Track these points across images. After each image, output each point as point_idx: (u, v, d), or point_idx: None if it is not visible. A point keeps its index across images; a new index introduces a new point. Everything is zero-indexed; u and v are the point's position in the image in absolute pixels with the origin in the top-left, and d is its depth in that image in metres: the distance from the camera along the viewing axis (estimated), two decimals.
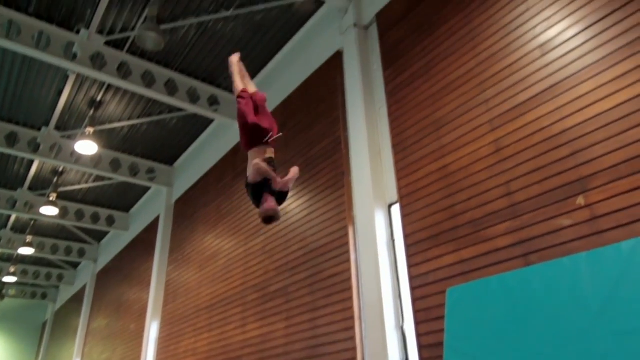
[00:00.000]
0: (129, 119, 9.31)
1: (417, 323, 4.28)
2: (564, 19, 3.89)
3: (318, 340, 5.38)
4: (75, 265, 17.91)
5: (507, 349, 3.20)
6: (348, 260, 5.25)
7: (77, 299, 16.81)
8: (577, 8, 3.82)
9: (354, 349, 4.85)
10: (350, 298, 5.06)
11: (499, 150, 4.11)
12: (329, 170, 6.02)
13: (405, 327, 4.56)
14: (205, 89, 8.43)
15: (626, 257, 2.89)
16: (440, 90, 4.82)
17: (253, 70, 8.20)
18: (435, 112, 4.81)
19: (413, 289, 4.43)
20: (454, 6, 4.93)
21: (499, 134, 4.15)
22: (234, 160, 8.67)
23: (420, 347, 4.21)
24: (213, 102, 8.52)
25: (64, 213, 12.40)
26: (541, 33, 4.03)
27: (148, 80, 7.84)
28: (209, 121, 9.43)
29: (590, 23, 3.70)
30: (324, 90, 6.56)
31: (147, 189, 12.12)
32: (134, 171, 10.66)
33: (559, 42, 3.88)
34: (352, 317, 4.99)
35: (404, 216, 4.77)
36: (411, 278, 4.48)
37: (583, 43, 3.71)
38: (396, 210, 5.00)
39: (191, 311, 8.58)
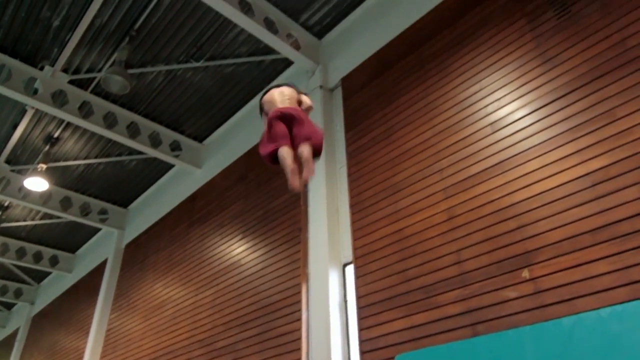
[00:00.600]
0: (86, 157, 9.09)
1: None
2: (513, 101, 4.19)
3: None
4: (9, 307, 16.70)
5: None
6: (299, 319, 5.16)
7: (7, 343, 15.55)
8: (525, 92, 4.13)
9: None
10: (299, 359, 4.94)
11: (451, 218, 4.25)
12: (287, 225, 6.02)
13: None
14: (168, 134, 8.39)
15: (567, 332, 2.99)
16: (398, 156, 5.00)
17: (218, 120, 8.30)
18: (392, 177, 4.96)
19: (362, 353, 4.38)
20: (414, 79, 5.22)
21: (452, 202, 4.31)
22: (191, 208, 8.53)
23: None
24: (175, 147, 8.48)
25: (3, 250, 11.70)
26: (492, 112, 4.30)
27: (110, 121, 7.75)
28: (169, 166, 9.33)
29: (537, 107, 3.99)
30: None
31: (97, 230, 11.67)
32: (85, 211, 10.29)
33: (508, 122, 4.15)
34: None
35: (358, 277, 4.79)
36: (361, 342, 4.44)
37: (530, 124, 3.98)
38: (350, 270, 5.02)
39: None
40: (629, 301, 2.89)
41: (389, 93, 5.45)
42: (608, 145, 3.45)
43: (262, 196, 6.73)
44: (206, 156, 8.70)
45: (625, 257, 3.09)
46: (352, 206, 5.26)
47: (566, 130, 3.73)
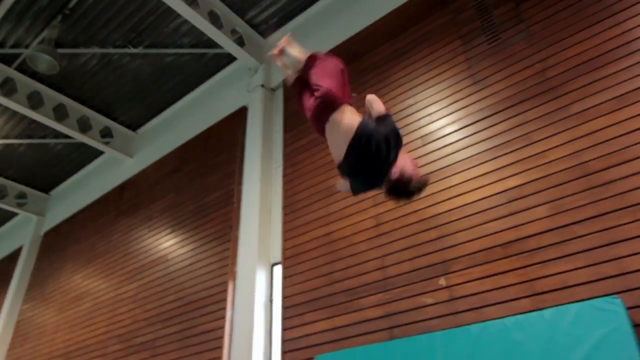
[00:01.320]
0: (5, 137, 8.48)
1: None
2: (443, 117, 4.40)
3: None
4: None
5: None
6: (223, 317, 5.11)
7: None
8: (455, 110, 4.35)
9: None
10: (220, 357, 4.90)
11: (378, 225, 4.40)
12: (218, 222, 5.94)
13: None
14: (99, 120, 8.03)
15: (475, 339, 3.19)
16: (333, 161, 5.08)
17: (154, 110, 8.04)
18: (326, 180, 5.05)
19: (284, 352, 4.42)
20: (353, 88, 5.33)
21: (380, 210, 4.46)
22: (119, 198, 8.19)
23: None
24: (106, 134, 8.12)
25: None
26: (424, 125, 4.50)
27: (35, 101, 7.29)
28: (98, 153, 8.91)
29: (464, 125, 4.22)
30: (224, 142, 6.59)
31: (13, 215, 10.91)
32: (0, 194, 9.58)
33: (437, 136, 4.36)
34: None
35: (285, 277, 4.83)
36: (284, 341, 4.48)
37: (457, 140, 4.21)
38: (278, 270, 5.05)
39: (42, 358, 7.64)
40: (530, 311, 3.13)
41: None
42: (524, 165, 3.71)
43: (194, 191, 6.60)
44: (139, 146, 8.40)
45: (530, 271, 3.34)
46: (284, 207, 5.30)
47: (489, 149, 3.98)
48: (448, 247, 3.84)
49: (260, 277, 5.04)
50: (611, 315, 2.72)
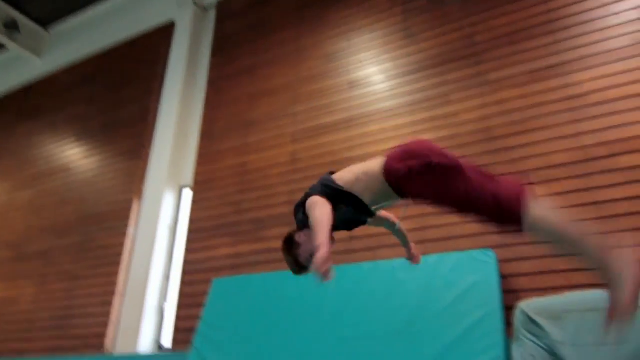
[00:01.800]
0: None
1: (179, 307, 4.33)
2: (373, 65, 4.45)
3: (71, 310, 4.99)
4: None
5: (253, 342, 3.45)
6: (125, 234, 5.01)
7: None
8: (385, 60, 4.41)
9: (107, 324, 4.64)
10: (117, 273, 4.84)
11: (294, 161, 4.45)
12: (129, 138, 5.69)
13: (166, 309, 4.56)
14: (4, 9, 7.15)
15: (366, 274, 3.41)
16: (258, 93, 5.01)
17: (71, 7, 7.29)
18: (248, 111, 4.97)
19: (184, 273, 4.47)
20: (289, 21, 5.21)
21: (297, 146, 4.50)
22: (22, 98, 7.53)
23: (176, 330, 4.26)
24: (11, 26, 7.27)
25: None
26: (353, 71, 4.53)
27: None
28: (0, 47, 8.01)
29: (391, 76, 4.30)
30: (146, 56, 6.20)
31: None
32: None
33: (364, 83, 4.41)
34: (113, 292, 4.77)
35: (194, 202, 4.80)
36: (185, 262, 4.51)
37: (382, 91, 4.29)
38: (187, 194, 4.99)
39: None
40: None
41: (263, 28, 5.36)
42: (437, 122, 3.89)
43: (108, 103, 6.22)
44: (50, 46, 7.65)
45: (423, 221, 3.58)
46: (202, 132, 5.17)
47: (409, 103, 4.11)
48: None
49: (168, 199, 4.96)
50: (484, 265, 3.03)
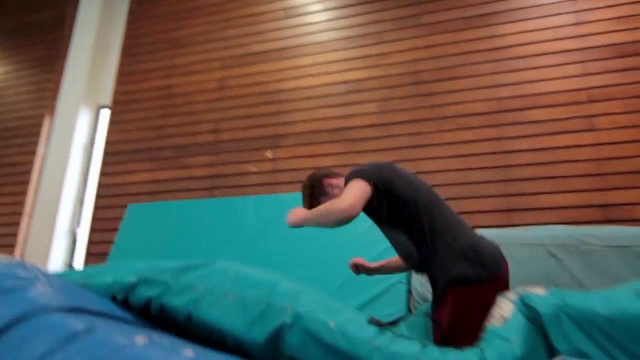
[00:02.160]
0: None
1: (92, 231, 4.20)
2: None
3: None
4: None
5: None
6: (34, 153, 4.68)
7: None
8: None
9: (14, 246, 4.43)
10: (25, 193, 4.56)
11: (222, 89, 4.31)
12: (43, 48, 5.18)
13: (78, 233, 4.41)
14: None
15: (284, 205, 3.44)
16: (188, 11, 4.70)
17: None
18: (177, 30, 4.68)
19: (98, 197, 4.30)
20: None
21: (227, 74, 4.34)
22: None
23: (88, 255, 4.15)
24: None
25: None
26: None
27: None
28: None
29: (329, 7, 4.18)
30: None
31: None
32: None
33: (301, 13, 4.27)
34: (21, 213, 4.52)
35: (112, 123, 4.54)
36: (100, 186, 4.33)
37: (318, 22, 4.18)
38: (106, 114, 4.71)
39: None
40: None
41: None
42: (369, 62, 3.89)
43: (18, 4, 5.56)
44: None
45: (350, 157, 3.67)
46: (124, 48, 4.82)
47: (343, 38, 4.05)
48: (282, 124, 3.97)
49: (84, 118, 4.66)
50: None
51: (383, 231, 1.84)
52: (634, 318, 1.26)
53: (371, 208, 1.69)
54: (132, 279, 1.28)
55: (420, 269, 1.77)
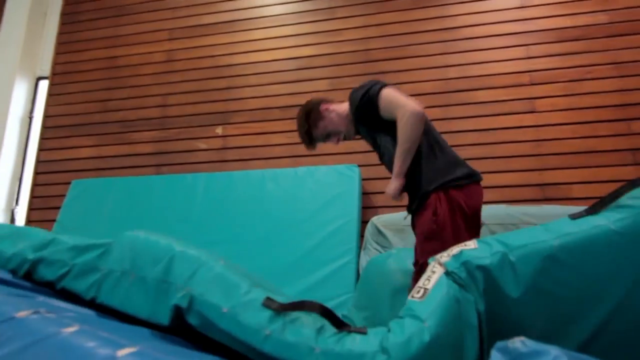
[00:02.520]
0: None
1: (31, 209, 4.01)
2: None
3: None
4: None
5: None
6: None
7: None
8: None
9: None
10: None
11: (170, 62, 4.15)
12: None
13: (17, 212, 4.20)
14: None
15: (235, 183, 3.43)
16: None
17: None
18: None
19: (37, 173, 4.10)
20: None
21: (175, 45, 4.19)
22: None
23: None
24: None
25: None
26: None
27: None
28: None
29: None
30: None
31: None
32: None
33: None
34: None
35: (51, 95, 4.31)
36: (38, 162, 4.12)
37: None
38: (44, 86, 4.45)
39: None
40: (288, 168, 3.48)
41: None
42: (320, 38, 3.85)
43: None
44: None
45: (297, 136, 3.64)
46: (64, 14, 4.54)
47: (295, 12, 3.98)
48: (233, 99, 3.89)
49: (20, 89, 4.39)
50: (348, 179, 3.22)
51: (375, 139, 1.92)
52: (586, 237, 1.19)
53: (376, 114, 1.79)
54: (30, 255, 1.23)
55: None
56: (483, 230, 2.85)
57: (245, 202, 3.33)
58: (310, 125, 1.98)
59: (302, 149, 3.58)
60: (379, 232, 2.90)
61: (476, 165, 3.28)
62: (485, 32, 3.45)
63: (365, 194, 3.37)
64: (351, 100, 1.87)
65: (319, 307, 1.11)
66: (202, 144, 3.84)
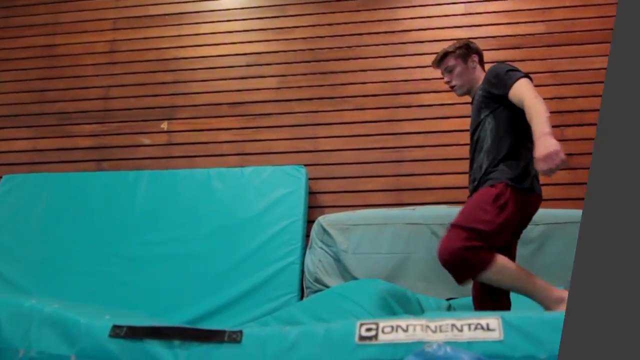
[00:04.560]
0: None
1: None
2: None
3: None
4: None
5: (48, 246, 3.20)
6: None
7: None
8: None
9: None
10: None
11: (113, 52, 3.99)
12: None
13: None
14: None
15: (179, 181, 3.35)
16: None
17: None
18: None
19: None
20: None
21: (119, 36, 4.03)
22: None
23: None
24: None
25: None
26: None
27: None
28: None
29: None
30: None
31: None
32: None
33: None
34: None
35: None
36: None
37: None
38: None
39: None
40: (234, 167, 3.43)
41: None
42: (271, 35, 3.81)
43: None
44: None
45: (246, 133, 3.60)
46: None
47: (244, 7, 3.91)
48: (179, 94, 3.79)
49: None
50: (294, 180, 3.22)
51: (480, 111, 1.96)
52: None
53: (500, 96, 1.86)
54: None
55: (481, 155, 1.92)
56: (424, 229, 2.95)
57: (190, 201, 3.27)
58: (455, 53, 2.10)
59: (251, 147, 3.56)
60: (325, 231, 2.92)
61: (420, 167, 3.41)
62: (431, 36, 3.52)
63: (311, 193, 3.38)
64: (495, 70, 1.93)
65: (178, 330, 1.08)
66: (146, 139, 3.73)
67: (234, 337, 1.05)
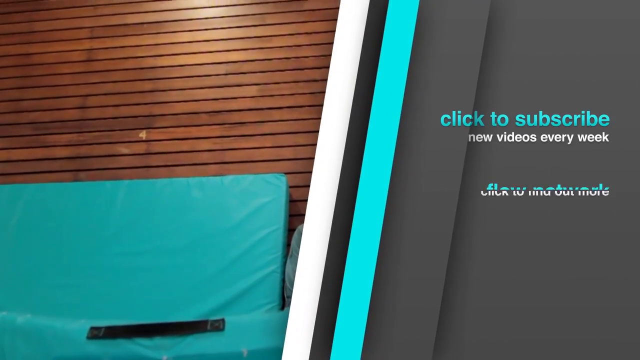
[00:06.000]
0: None
1: None
2: None
3: None
4: None
5: (21, 259, 3.12)
6: None
7: None
8: None
9: None
10: None
11: (90, 61, 3.95)
12: None
13: None
14: None
15: (158, 191, 3.32)
16: None
17: None
18: None
19: None
20: None
21: (97, 44, 3.99)
22: None
23: None
24: None
25: None
26: None
27: None
28: None
29: None
30: None
31: None
32: None
33: None
34: None
35: None
36: None
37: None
38: None
39: None
40: (214, 176, 3.41)
41: None
42: (250, 43, 3.82)
43: None
44: None
45: (226, 142, 3.59)
46: None
47: (224, 16, 3.93)
48: (158, 103, 3.76)
49: None
50: (275, 188, 3.20)
51: None
52: None
53: None
54: None
55: None
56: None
57: (169, 210, 3.23)
58: None
59: (231, 156, 3.55)
60: None
61: None
62: None
63: (292, 201, 3.37)
64: None
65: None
66: (124, 149, 3.68)
67: (217, 326, 1.04)
